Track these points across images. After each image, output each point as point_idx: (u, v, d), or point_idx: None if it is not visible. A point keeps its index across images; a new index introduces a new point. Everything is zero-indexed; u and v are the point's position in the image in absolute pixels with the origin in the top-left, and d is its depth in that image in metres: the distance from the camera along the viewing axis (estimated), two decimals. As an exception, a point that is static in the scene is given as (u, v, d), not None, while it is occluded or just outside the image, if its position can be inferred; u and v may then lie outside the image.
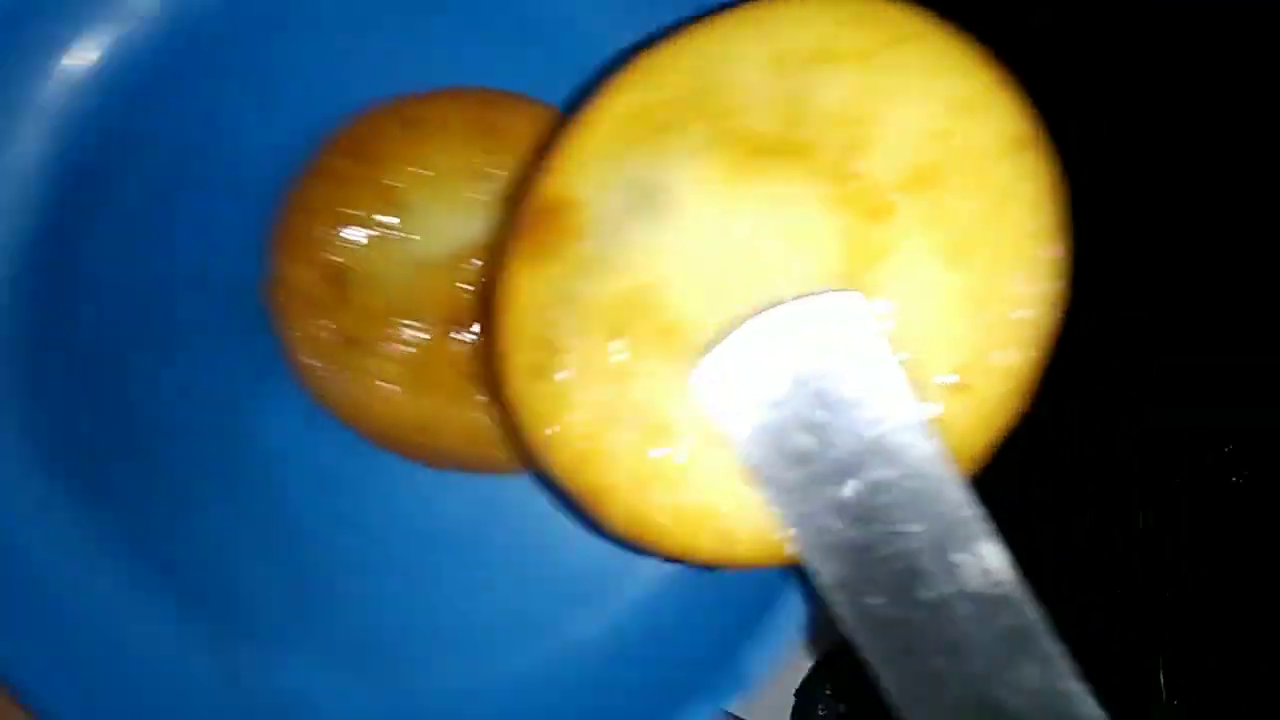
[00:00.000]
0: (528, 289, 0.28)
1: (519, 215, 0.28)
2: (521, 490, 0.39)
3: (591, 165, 0.28)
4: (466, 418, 0.36)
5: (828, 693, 0.54)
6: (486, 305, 0.31)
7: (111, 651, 0.37)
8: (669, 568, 0.36)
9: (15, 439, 0.38)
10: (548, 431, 0.28)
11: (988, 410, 0.27)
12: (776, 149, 0.27)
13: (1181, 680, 0.50)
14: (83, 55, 0.38)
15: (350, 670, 0.38)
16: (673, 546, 0.28)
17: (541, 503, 0.38)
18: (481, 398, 0.35)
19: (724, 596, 0.36)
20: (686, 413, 0.27)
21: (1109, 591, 0.50)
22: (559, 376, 0.28)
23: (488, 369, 0.32)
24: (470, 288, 0.35)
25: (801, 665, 0.54)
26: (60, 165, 0.38)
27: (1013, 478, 0.46)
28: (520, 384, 0.28)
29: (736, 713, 0.55)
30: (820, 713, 0.54)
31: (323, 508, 0.38)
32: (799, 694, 0.54)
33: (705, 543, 0.28)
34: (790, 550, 0.28)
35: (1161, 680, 0.50)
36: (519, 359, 0.28)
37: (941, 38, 0.28)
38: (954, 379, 0.27)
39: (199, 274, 0.38)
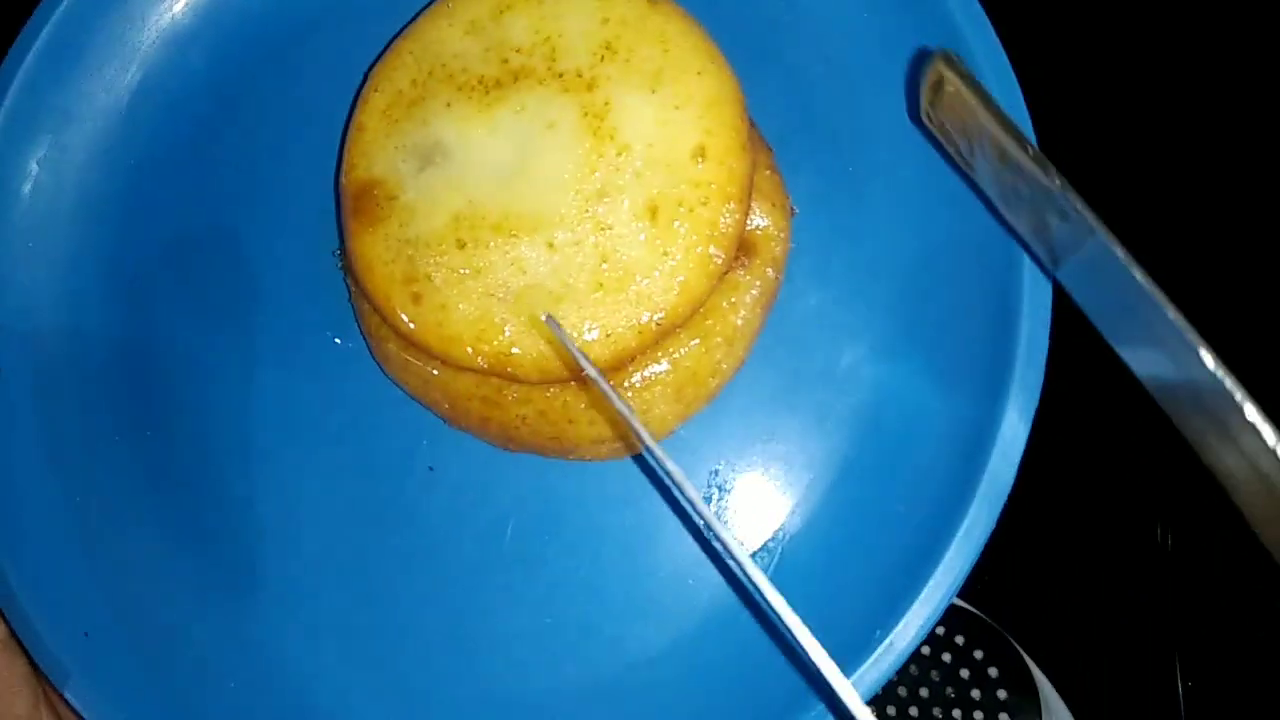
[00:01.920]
0: (373, 249, 0.36)
1: (342, 205, 0.37)
2: (587, 493, 0.39)
3: (375, 150, 0.37)
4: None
5: None
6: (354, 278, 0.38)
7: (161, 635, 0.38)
8: (729, 573, 0.38)
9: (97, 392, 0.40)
10: (445, 335, 0.35)
11: (727, 166, 0.36)
12: (503, 81, 0.37)
13: (1194, 667, 0.53)
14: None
15: (397, 672, 0.38)
16: (569, 372, 0.36)
17: (612, 508, 0.39)
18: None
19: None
20: (532, 277, 0.35)
21: (1133, 589, 0.53)
22: (436, 294, 0.35)
23: (373, 324, 0.38)
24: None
25: None
26: (158, 109, 0.42)
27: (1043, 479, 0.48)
28: (410, 313, 0.36)
29: None
30: None
31: (378, 495, 0.39)
32: None
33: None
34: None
35: (1177, 665, 0.53)
36: (398, 298, 0.36)
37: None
38: (698, 154, 0.36)
39: (280, 232, 0.41)
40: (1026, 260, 0.36)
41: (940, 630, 0.56)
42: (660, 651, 0.37)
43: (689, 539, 0.38)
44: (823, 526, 0.38)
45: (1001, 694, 0.55)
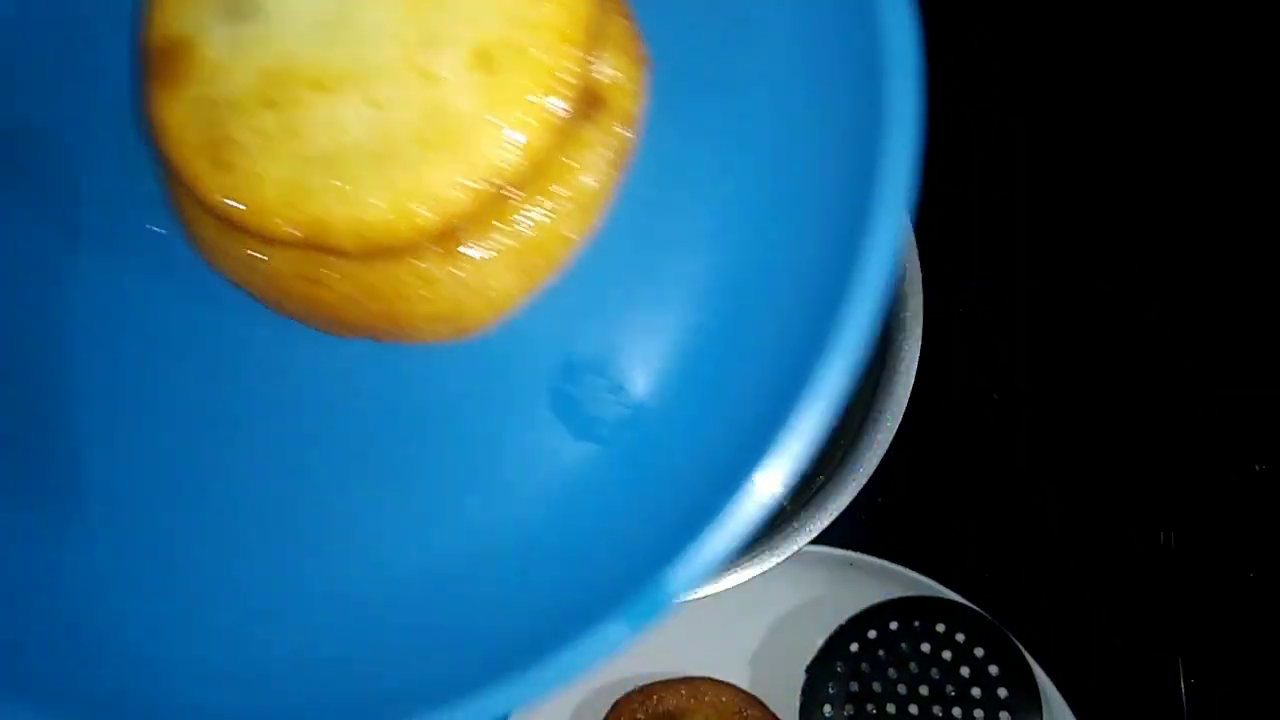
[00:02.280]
0: (176, 114, 0.33)
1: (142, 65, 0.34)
2: (430, 376, 0.36)
3: (178, 5, 0.33)
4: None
5: (838, 669, 0.56)
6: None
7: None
8: (581, 454, 0.36)
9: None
10: (255, 207, 0.32)
11: (568, 7, 0.32)
12: (319, -78, 0.33)
13: (1197, 666, 0.54)
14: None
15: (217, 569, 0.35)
16: (392, 239, 0.32)
17: (454, 391, 0.36)
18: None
19: (646, 503, 0.34)
20: (352, 137, 0.32)
21: (1136, 590, 0.55)
22: (243, 160, 0.32)
23: (185, 204, 0.35)
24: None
25: (813, 642, 0.57)
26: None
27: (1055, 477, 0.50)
28: (216, 184, 0.32)
29: (748, 688, 0.57)
30: (830, 690, 0.56)
31: (203, 393, 0.36)
32: (810, 670, 0.56)
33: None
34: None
35: (1180, 663, 0.54)
36: (202, 168, 0.32)
37: None
38: None
39: (88, 108, 0.37)
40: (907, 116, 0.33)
41: (941, 627, 0.56)
42: (510, 536, 0.35)
43: (538, 420, 0.35)
44: (681, 396, 0.35)
45: (1002, 692, 0.55)
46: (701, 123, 0.36)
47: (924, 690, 0.57)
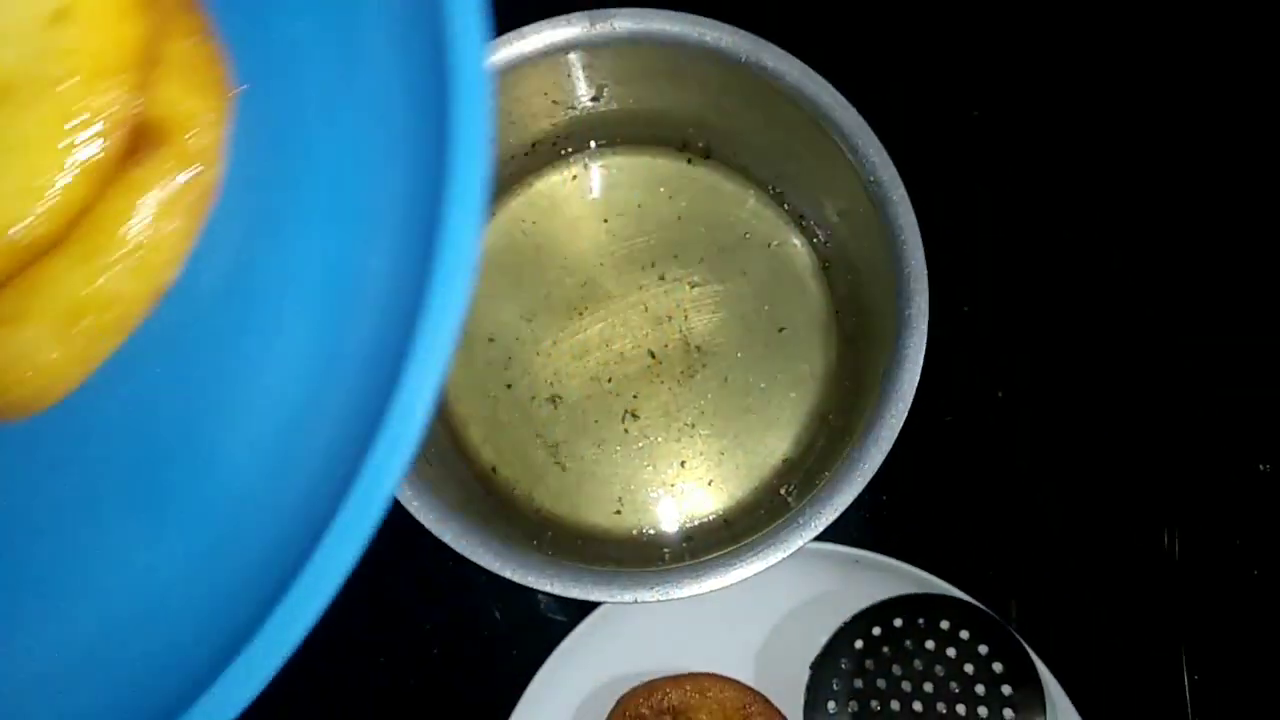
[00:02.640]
0: None
1: None
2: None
3: None
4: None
5: (843, 666, 0.56)
6: None
7: None
8: (160, 543, 0.30)
9: None
10: None
11: (102, 31, 0.28)
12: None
13: (1201, 663, 0.54)
14: None
15: None
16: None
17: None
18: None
19: (231, 600, 0.28)
20: None
21: (1139, 592, 0.54)
22: None
23: None
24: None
25: (817, 638, 0.57)
26: None
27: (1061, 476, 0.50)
28: None
29: (752, 684, 0.57)
30: (835, 686, 0.56)
31: None
32: (814, 667, 0.57)
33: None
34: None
35: (1183, 660, 0.55)
36: None
37: None
38: (59, 18, 0.28)
39: None
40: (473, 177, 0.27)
41: (945, 624, 0.56)
42: (84, 643, 0.30)
43: (112, 510, 0.31)
44: (270, 475, 0.30)
45: (1006, 689, 0.55)
46: (299, 155, 0.31)
47: (928, 687, 0.57)
